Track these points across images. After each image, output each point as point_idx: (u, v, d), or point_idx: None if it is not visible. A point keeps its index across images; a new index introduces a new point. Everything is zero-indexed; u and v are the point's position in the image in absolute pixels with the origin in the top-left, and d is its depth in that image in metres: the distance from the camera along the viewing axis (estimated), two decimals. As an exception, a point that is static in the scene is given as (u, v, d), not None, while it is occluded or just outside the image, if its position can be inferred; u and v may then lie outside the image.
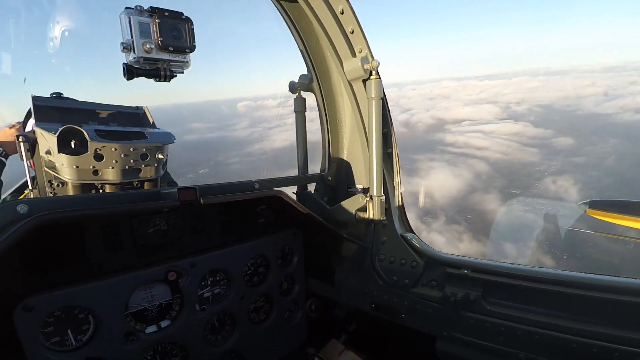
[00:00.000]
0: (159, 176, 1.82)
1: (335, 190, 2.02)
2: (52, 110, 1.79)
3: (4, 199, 2.02)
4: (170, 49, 1.07)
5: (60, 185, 1.67)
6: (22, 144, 1.64)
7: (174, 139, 1.81)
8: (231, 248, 1.68)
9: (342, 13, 1.44)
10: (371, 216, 1.72)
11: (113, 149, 1.57)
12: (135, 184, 1.76)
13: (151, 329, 1.47)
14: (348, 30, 1.49)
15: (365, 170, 1.82)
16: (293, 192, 1.97)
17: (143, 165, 1.69)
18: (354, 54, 1.54)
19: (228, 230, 1.73)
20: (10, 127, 2.37)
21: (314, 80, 1.82)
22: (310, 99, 1.94)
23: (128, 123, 2.00)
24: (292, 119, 1.88)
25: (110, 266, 1.37)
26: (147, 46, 1.02)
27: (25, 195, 1.98)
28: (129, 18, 1.01)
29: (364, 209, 1.76)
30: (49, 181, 1.70)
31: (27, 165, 1.72)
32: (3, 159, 2.33)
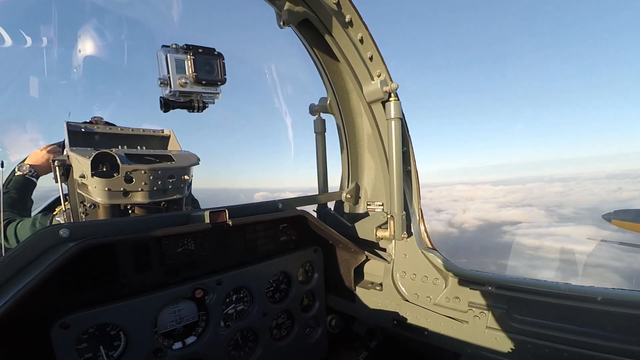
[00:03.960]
0: (184, 196, 1.89)
1: (355, 207, 2.05)
2: (84, 135, 1.88)
3: (35, 216, 2.11)
4: (203, 82, 1.13)
5: (92, 207, 1.75)
6: (57, 167, 1.73)
7: (199, 161, 1.87)
8: (255, 265, 1.72)
9: (361, 41, 1.50)
10: (392, 233, 1.74)
11: (142, 172, 1.64)
12: (162, 204, 1.82)
13: (178, 345, 1.50)
14: (367, 56, 1.54)
15: (385, 188, 1.84)
16: (314, 210, 2.01)
17: (170, 186, 1.76)
18: (372, 78, 1.59)
19: (252, 248, 1.77)
20: (41, 150, 2.49)
21: (334, 102, 1.87)
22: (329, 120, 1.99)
23: (155, 146, 2.08)
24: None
25: (140, 284, 1.42)
26: (182, 81, 1.09)
27: (57, 213, 2.07)
28: (166, 55, 1.08)
29: (384, 226, 1.78)
30: (81, 202, 1.78)
31: (61, 187, 1.80)
32: (34, 179, 2.45)
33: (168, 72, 1.10)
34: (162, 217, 1.34)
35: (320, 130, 1.99)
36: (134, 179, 1.64)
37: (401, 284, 1.92)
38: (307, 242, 1.95)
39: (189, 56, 1.11)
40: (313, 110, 1.98)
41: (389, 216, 1.73)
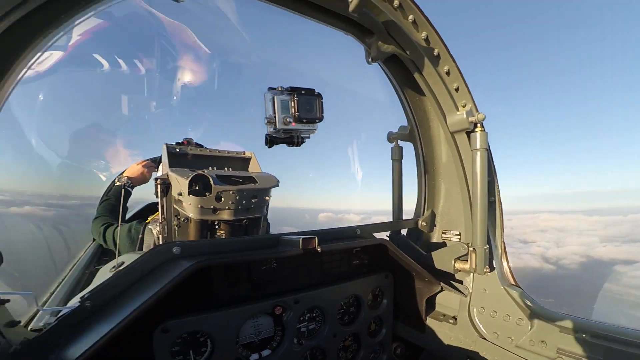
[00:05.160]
0: (263, 215, 2.03)
1: (430, 235, 2.00)
2: (180, 156, 2.13)
3: (131, 223, 2.40)
4: (304, 120, 1.24)
5: (185, 221, 1.96)
6: (159, 185, 1.97)
7: (279, 182, 2.00)
8: (329, 287, 1.76)
9: (447, 73, 1.50)
10: (473, 266, 1.66)
11: (231, 192, 1.80)
12: (244, 221, 1.98)
13: (255, 356, 1.60)
14: (453, 87, 1.54)
15: (465, 218, 1.78)
16: (386, 236, 2.00)
17: (252, 206, 1.91)
18: (457, 108, 1.57)
19: (327, 270, 1.83)
20: (137, 164, 2.86)
21: (414, 131, 1.88)
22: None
23: (238, 167, 2.27)
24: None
25: (228, 298, 1.54)
26: (287, 120, 1.20)
27: (149, 222, 2.33)
28: (273, 97, 1.20)
29: (464, 257, 1.72)
30: (176, 216, 2.00)
31: (160, 202, 2.04)
32: (130, 190, 2.81)
33: (274, 112, 1.22)
34: (255, 239, 1.46)
35: (397, 157, 2.01)
36: (222, 198, 1.81)
37: (479, 320, 1.82)
38: (379, 267, 1.95)
39: (292, 97, 1.22)
40: (391, 137, 2.00)
41: (470, 249, 1.66)
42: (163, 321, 1.34)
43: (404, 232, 2.08)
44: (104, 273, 1.70)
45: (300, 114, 1.22)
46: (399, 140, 1.99)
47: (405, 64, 1.50)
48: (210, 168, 2.10)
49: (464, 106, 1.56)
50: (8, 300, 1.21)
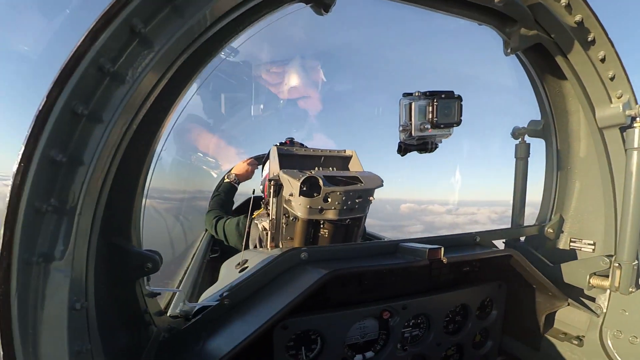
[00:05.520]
0: (365, 215, 2.01)
1: (555, 243, 1.78)
2: (288, 157, 2.21)
3: (239, 217, 2.57)
4: (442, 126, 1.16)
5: (293, 220, 2.03)
6: (272, 185, 2.06)
7: (383, 183, 1.96)
8: (437, 295, 1.69)
9: (602, 60, 1.29)
10: (616, 284, 1.44)
11: (338, 193, 1.81)
12: (347, 221, 1.99)
13: (359, 357, 1.60)
14: (608, 75, 1.32)
15: (606, 226, 1.54)
16: (502, 242, 1.84)
17: (357, 206, 1.90)
18: (611, 100, 1.35)
19: (435, 277, 1.75)
20: (243, 162, 3.07)
21: (550, 124, 1.68)
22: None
23: (338, 166, 2.29)
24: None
25: (340, 300, 1.56)
26: (424, 126, 1.14)
27: (255, 217, 2.47)
28: (411, 104, 1.15)
29: (602, 272, 1.49)
30: (284, 214, 2.09)
31: (272, 201, 2.13)
32: (236, 186, 3.04)
33: (410, 119, 1.16)
34: (373, 245, 1.46)
35: (523, 155, 1.80)
36: (329, 199, 1.83)
37: (612, 344, 1.58)
38: (490, 276, 1.81)
39: (431, 102, 1.15)
40: (517, 133, 1.81)
41: (614, 264, 1.44)
42: (282, 318, 1.41)
43: (522, 238, 1.89)
44: (230, 269, 1.84)
45: (438, 119, 1.13)
46: (526, 136, 1.79)
47: (550, 52, 1.32)
48: (316, 168, 2.14)
49: (619, 97, 1.32)
50: (159, 294, 1.36)
